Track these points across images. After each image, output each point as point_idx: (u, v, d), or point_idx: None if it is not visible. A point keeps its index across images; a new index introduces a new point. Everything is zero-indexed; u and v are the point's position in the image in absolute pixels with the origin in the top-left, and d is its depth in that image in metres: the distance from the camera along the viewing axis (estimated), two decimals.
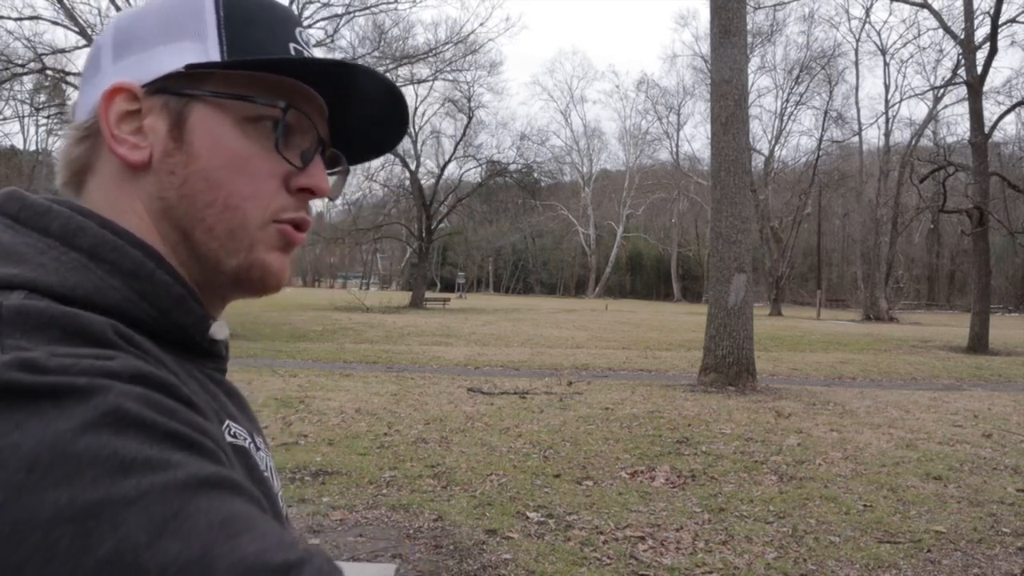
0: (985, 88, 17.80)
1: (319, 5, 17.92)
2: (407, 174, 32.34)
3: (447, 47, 23.80)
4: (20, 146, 43.99)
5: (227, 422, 0.53)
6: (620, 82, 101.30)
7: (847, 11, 48.73)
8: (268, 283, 0.57)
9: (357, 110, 0.61)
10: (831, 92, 37.82)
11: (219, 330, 0.56)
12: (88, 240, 0.49)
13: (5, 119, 36.76)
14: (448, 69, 25.12)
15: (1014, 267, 46.30)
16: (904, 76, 62.67)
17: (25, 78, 22.77)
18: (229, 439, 0.51)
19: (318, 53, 0.66)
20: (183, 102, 0.54)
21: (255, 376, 9.71)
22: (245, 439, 0.54)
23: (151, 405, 0.39)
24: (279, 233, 0.56)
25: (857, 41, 35.21)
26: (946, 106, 31.08)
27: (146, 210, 0.54)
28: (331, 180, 0.61)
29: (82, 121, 0.55)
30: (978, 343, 16.18)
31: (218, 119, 0.54)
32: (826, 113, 37.77)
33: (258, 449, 0.56)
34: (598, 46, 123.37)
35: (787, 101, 39.02)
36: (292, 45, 0.57)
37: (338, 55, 19.64)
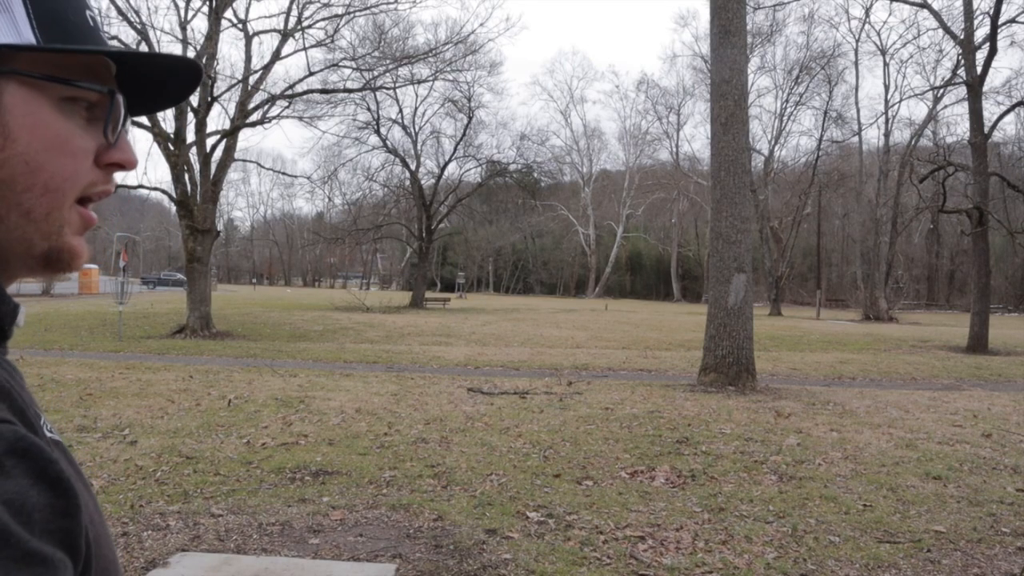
0: (985, 88, 17.79)
1: (319, 5, 17.89)
2: (407, 174, 32.39)
3: (447, 47, 23.76)
4: None
5: (43, 417, 0.53)
6: (620, 82, 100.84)
7: (847, 11, 48.79)
8: (74, 265, 0.56)
9: (145, 70, 0.60)
10: (831, 92, 37.83)
11: (22, 316, 0.56)
12: None
13: None
14: (448, 69, 25.08)
15: (1014, 267, 46.33)
16: (904, 76, 62.32)
17: None
18: (48, 434, 0.51)
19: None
20: None
21: (256, 376, 9.71)
22: (53, 430, 0.54)
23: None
24: (80, 217, 0.56)
25: (857, 41, 35.16)
26: (946, 106, 31.05)
27: None
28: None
29: None
30: (978, 343, 16.18)
31: (35, 99, 0.51)
32: (826, 113, 37.79)
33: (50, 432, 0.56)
34: (598, 46, 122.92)
35: (787, 101, 39.03)
36: (88, 13, 0.56)
37: (338, 55, 19.67)
